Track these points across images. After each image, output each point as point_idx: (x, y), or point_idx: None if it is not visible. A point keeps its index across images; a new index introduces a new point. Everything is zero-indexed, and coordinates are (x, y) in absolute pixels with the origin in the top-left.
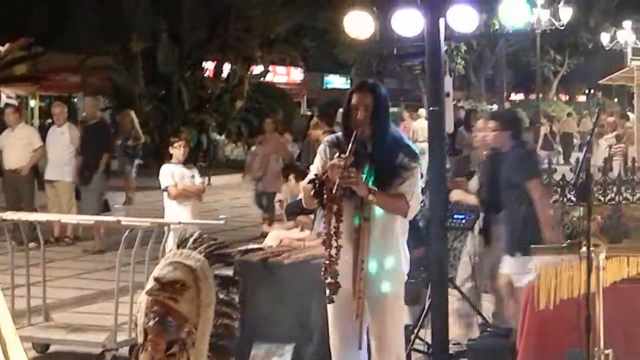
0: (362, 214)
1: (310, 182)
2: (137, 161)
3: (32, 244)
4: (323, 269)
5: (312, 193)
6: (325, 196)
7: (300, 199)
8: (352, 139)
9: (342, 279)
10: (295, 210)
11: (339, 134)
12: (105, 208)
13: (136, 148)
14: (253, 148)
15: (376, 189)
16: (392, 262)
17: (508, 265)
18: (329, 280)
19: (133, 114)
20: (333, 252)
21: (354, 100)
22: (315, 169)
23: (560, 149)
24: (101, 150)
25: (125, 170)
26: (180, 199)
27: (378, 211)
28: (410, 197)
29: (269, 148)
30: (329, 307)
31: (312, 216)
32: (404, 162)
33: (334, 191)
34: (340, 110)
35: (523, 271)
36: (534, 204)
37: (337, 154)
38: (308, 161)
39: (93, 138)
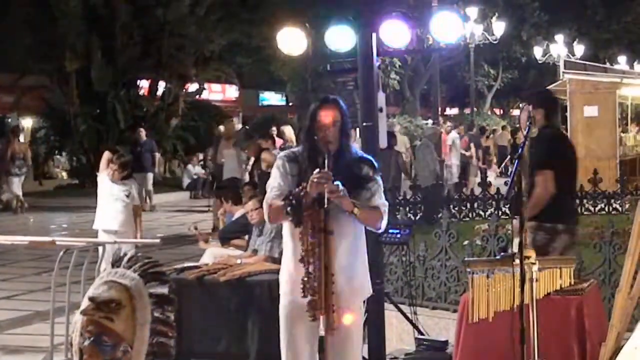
0: (327, 227)
1: (285, 198)
2: None
3: None
4: (301, 286)
5: (288, 209)
6: (303, 212)
7: (235, 222)
8: (326, 154)
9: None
10: (228, 236)
11: (295, 149)
12: None
13: None
14: None
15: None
16: (360, 276)
17: None
18: (309, 298)
19: None
20: (311, 268)
21: (320, 116)
22: (278, 185)
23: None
24: None
25: None
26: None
27: (341, 224)
28: (384, 209)
29: None
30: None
31: (246, 237)
32: (368, 175)
33: (325, 205)
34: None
35: None
36: None
37: (317, 169)
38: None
39: None
